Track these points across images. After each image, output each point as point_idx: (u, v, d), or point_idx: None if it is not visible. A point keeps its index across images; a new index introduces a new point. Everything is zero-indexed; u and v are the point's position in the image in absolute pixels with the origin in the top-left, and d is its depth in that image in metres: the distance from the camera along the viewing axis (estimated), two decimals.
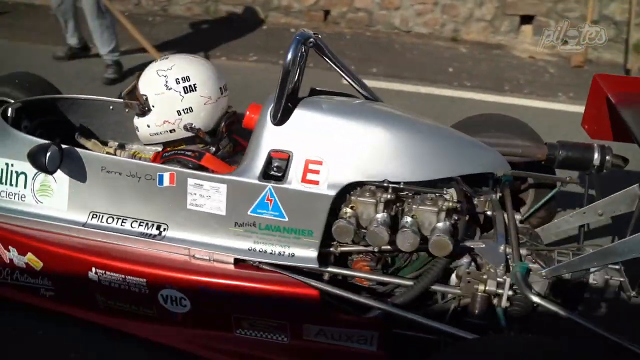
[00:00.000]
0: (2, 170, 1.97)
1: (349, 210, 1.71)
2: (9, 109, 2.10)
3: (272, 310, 1.80)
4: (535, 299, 1.58)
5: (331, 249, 1.79)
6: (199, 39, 5.49)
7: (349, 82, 2.05)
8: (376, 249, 1.73)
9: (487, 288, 1.66)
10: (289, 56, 1.72)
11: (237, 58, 5.07)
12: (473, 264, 1.77)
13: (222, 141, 2.03)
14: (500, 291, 1.65)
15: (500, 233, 1.80)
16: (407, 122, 1.89)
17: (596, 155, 1.95)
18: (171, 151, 1.99)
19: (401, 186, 1.72)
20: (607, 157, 1.95)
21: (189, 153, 1.94)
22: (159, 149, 2.14)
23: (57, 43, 4.79)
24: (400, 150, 1.76)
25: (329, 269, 1.78)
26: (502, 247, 1.75)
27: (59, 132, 2.14)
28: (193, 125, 1.95)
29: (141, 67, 2.01)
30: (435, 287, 1.76)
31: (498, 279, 1.67)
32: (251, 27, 5.69)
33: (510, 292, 1.64)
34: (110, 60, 4.34)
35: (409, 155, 1.76)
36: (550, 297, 1.71)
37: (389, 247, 1.69)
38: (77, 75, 4.33)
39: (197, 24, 5.83)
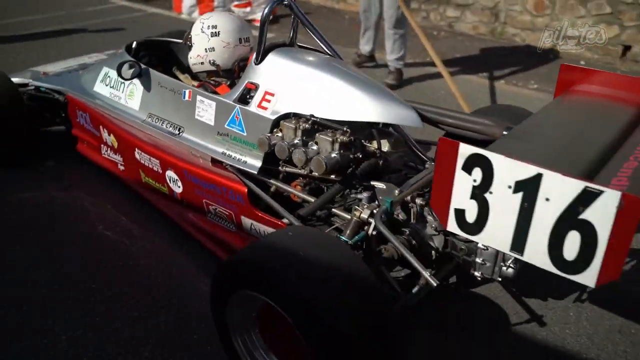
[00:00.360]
0: (115, 80, 2.94)
1: (277, 131, 2.21)
2: (133, 43, 3.08)
3: (224, 199, 2.37)
4: (380, 227, 1.87)
5: (280, 168, 2.27)
6: (480, 58, 5.63)
7: (316, 39, 2.52)
8: (305, 172, 2.15)
9: (361, 215, 1.99)
10: (265, 12, 2.31)
11: (516, 84, 4.99)
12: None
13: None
14: (370, 220, 1.96)
15: (410, 183, 2.08)
16: (344, 74, 2.24)
17: None
18: (205, 80, 2.72)
19: (317, 119, 2.13)
20: None
21: (212, 82, 2.64)
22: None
23: (347, 46, 5.33)
24: (329, 94, 2.17)
25: (270, 180, 2.28)
26: (397, 191, 2.04)
27: (164, 65, 3.02)
28: (214, 61, 2.64)
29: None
30: (334, 210, 2.15)
31: (373, 210, 1.98)
32: (537, 54, 5.54)
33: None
34: (394, 67, 4.68)
35: (335, 99, 2.16)
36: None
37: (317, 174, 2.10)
38: None
39: (480, 43, 6.01)
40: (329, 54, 2.50)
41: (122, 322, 2.20)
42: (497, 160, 1.36)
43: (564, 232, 1.30)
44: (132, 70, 2.71)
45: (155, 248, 2.68)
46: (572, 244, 1.30)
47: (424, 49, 4.37)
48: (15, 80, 3.36)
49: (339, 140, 2.05)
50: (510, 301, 2.37)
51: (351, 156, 2.10)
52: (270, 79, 2.30)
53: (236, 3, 7.20)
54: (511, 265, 1.84)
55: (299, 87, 2.24)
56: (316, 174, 2.09)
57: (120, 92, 2.92)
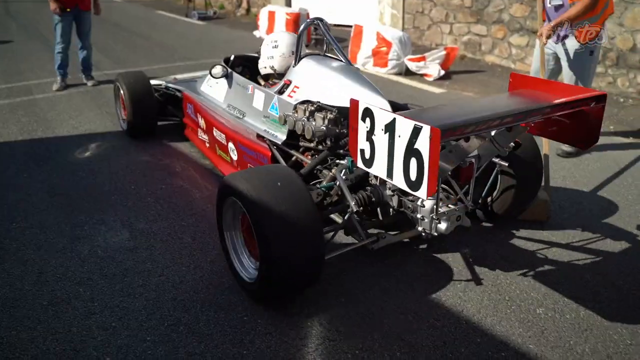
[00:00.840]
0: (213, 81, 4.24)
1: (294, 112, 3.25)
2: (231, 56, 4.39)
3: (257, 162, 3.42)
4: (337, 177, 2.75)
5: (300, 143, 3.25)
6: None
7: (337, 50, 3.48)
8: (312, 145, 3.14)
9: (333, 172, 2.92)
10: (300, 30, 3.49)
11: None
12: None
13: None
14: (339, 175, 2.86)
15: None
16: (345, 73, 3.22)
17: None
18: (267, 82, 3.91)
19: (322, 104, 3.11)
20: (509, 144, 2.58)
21: (271, 82, 3.84)
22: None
23: None
24: (332, 86, 3.14)
25: (291, 151, 3.26)
26: None
27: (252, 73, 4.22)
28: (273, 66, 3.79)
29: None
30: (320, 168, 3.08)
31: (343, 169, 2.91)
32: None
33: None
34: None
35: (334, 90, 3.12)
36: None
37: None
38: None
39: None
40: (343, 61, 3.46)
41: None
42: (375, 111, 2.13)
43: (408, 160, 1.99)
44: (220, 72, 4.00)
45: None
46: (413, 168, 1.97)
47: (609, 115, 4.28)
48: (152, 82, 4.91)
49: (328, 117, 3.02)
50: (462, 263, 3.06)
51: (337, 130, 2.99)
52: (299, 77, 3.40)
53: (410, 57, 7.43)
54: (443, 220, 2.43)
55: (314, 81, 3.29)
56: (307, 138, 3.05)
57: (214, 89, 4.25)
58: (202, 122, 4.22)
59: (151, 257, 3.00)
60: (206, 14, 13.54)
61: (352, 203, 2.63)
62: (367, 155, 2.20)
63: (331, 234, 2.79)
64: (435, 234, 2.50)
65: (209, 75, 4.13)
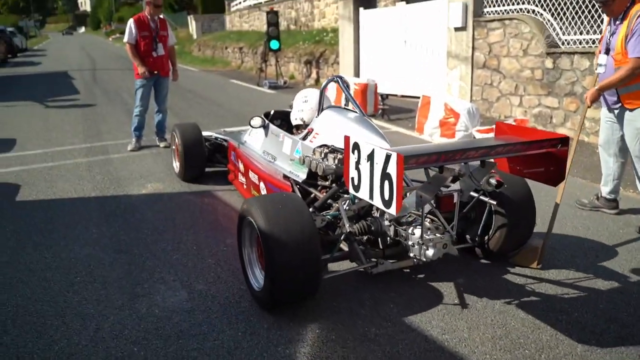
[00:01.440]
0: (254, 132, 4.65)
1: (313, 154, 3.66)
2: (271, 111, 4.77)
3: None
4: (340, 208, 3.26)
5: (318, 182, 3.68)
6: None
7: (352, 103, 3.99)
8: (327, 184, 3.62)
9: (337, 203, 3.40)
10: (323, 85, 4.00)
11: None
12: None
13: None
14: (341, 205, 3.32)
15: None
16: (356, 122, 3.65)
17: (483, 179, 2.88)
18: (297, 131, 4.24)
19: (335, 147, 3.53)
20: (490, 180, 2.88)
21: (300, 131, 4.13)
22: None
23: (594, 181, 5.36)
24: (344, 133, 3.18)
25: (310, 189, 3.71)
26: None
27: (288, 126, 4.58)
28: (302, 118, 4.22)
29: None
30: (330, 202, 3.51)
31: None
32: None
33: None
34: None
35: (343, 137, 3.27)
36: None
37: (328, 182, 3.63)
38: None
39: None
40: (357, 112, 3.86)
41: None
42: (361, 144, 2.50)
43: (383, 182, 2.34)
44: (258, 122, 4.45)
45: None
46: (386, 189, 2.33)
47: None
48: (204, 133, 5.64)
49: (338, 157, 3.45)
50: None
51: None
52: (320, 125, 3.85)
53: (479, 128, 7.38)
54: (430, 247, 2.78)
55: (331, 129, 3.70)
56: (320, 175, 3.55)
57: (253, 138, 4.71)
58: (241, 166, 4.65)
59: (208, 320, 2.94)
60: (277, 84, 14.04)
61: (347, 225, 3.10)
62: (356, 182, 2.57)
63: (335, 254, 3.13)
64: (424, 259, 2.83)
65: (249, 125, 4.61)
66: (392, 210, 2.31)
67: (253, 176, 4.30)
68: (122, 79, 15.89)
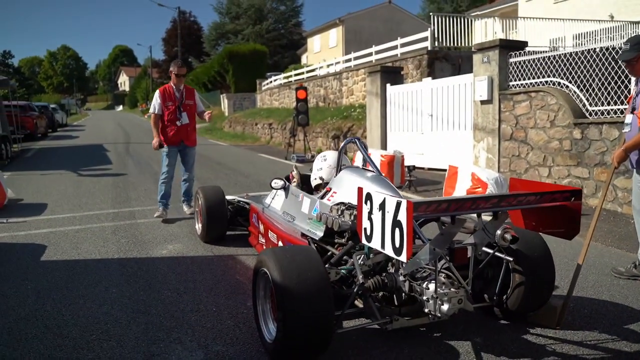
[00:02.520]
0: (275, 194, 4.67)
1: (330, 211, 3.65)
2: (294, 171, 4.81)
3: None
4: (355, 262, 3.22)
5: (335, 240, 3.68)
6: None
7: (370, 163, 3.96)
8: (343, 241, 3.60)
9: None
10: (341, 146, 4.17)
11: None
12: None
13: None
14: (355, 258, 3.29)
15: None
16: (372, 181, 3.59)
17: (498, 232, 2.86)
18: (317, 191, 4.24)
19: (351, 204, 3.55)
20: (505, 235, 2.85)
21: (318, 192, 4.12)
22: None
23: (631, 250, 5.20)
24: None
25: (327, 247, 3.70)
26: None
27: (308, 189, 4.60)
28: (322, 177, 4.35)
29: None
30: (346, 258, 3.47)
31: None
32: None
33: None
34: None
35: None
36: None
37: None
38: None
39: None
40: (375, 172, 3.85)
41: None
42: (373, 194, 2.57)
43: (394, 230, 2.38)
44: (279, 184, 4.51)
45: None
46: (397, 237, 2.36)
47: None
48: (227, 197, 5.77)
49: (354, 214, 3.41)
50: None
51: None
52: (337, 184, 3.92)
53: None
54: (445, 302, 2.73)
55: (348, 187, 3.70)
56: (335, 231, 3.48)
57: (274, 201, 4.74)
58: (261, 227, 4.66)
59: None
60: (304, 158, 14.22)
61: (360, 277, 3.07)
62: (368, 232, 2.62)
63: (349, 310, 3.11)
64: (439, 315, 2.77)
65: (270, 187, 4.66)
66: (403, 257, 2.33)
67: (272, 236, 4.30)
68: (155, 151, 16.31)
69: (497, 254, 3.29)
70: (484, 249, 3.28)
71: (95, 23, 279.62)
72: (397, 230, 2.37)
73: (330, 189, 3.95)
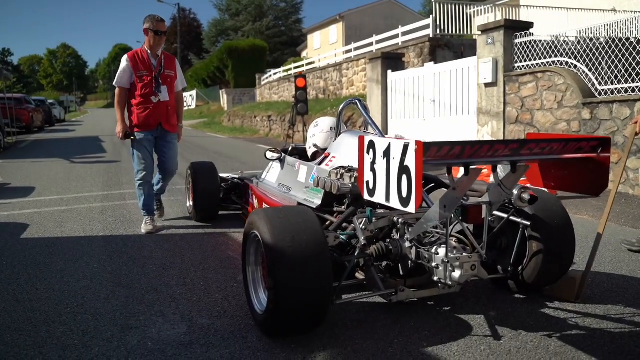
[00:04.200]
0: (271, 167, 4.41)
1: (328, 176, 3.25)
2: (289, 147, 4.49)
3: None
4: (356, 224, 2.90)
5: (334, 208, 3.34)
6: None
7: (372, 126, 3.66)
8: (343, 209, 3.26)
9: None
10: (340, 108, 3.86)
11: None
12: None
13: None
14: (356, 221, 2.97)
15: None
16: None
17: (515, 192, 2.60)
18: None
19: (351, 167, 3.19)
20: (522, 195, 2.63)
21: (315, 159, 3.92)
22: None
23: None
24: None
25: (325, 215, 3.32)
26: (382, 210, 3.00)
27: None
28: (316, 144, 4.03)
29: None
30: (345, 225, 3.13)
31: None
32: None
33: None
34: None
35: None
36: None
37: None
38: None
39: None
40: (375, 134, 3.52)
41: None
42: (376, 141, 2.27)
43: (401, 177, 2.08)
44: (274, 155, 4.29)
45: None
46: (404, 186, 2.07)
47: None
48: (221, 175, 5.44)
49: (354, 176, 3.02)
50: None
51: None
52: (337, 149, 3.60)
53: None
54: (456, 268, 2.45)
55: (348, 151, 3.39)
56: (334, 194, 3.07)
57: (270, 174, 4.44)
58: (256, 202, 4.38)
59: (206, 355, 2.50)
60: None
61: (362, 239, 2.77)
62: (371, 185, 2.32)
63: (348, 281, 2.86)
64: (450, 283, 2.49)
65: (265, 157, 4.36)
66: (411, 207, 2.04)
67: (265, 207, 3.99)
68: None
69: (512, 218, 2.99)
70: (496, 213, 2.98)
71: (95, 21, 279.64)
72: (404, 178, 2.07)
73: (329, 154, 3.64)
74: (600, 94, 7.27)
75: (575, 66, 7.64)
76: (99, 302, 3.16)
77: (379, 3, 36.69)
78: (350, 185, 3.05)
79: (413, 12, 38.58)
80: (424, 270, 2.73)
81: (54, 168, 10.02)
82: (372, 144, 2.31)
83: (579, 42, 7.85)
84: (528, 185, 2.87)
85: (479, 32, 9.20)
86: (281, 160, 4.29)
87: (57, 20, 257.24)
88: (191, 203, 5.35)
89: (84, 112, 60.67)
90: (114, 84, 4.83)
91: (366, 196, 2.38)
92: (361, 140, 2.37)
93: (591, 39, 7.65)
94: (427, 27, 14.17)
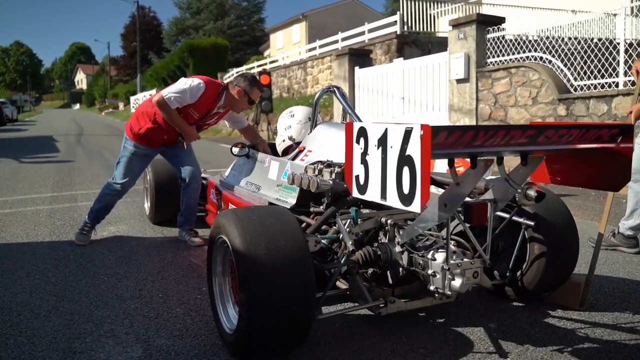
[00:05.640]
0: (237, 165, 4.02)
1: (304, 172, 2.83)
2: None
3: None
4: (339, 222, 2.50)
5: (310, 209, 2.89)
6: None
7: (352, 116, 3.35)
8: (321, 209, 2.79)
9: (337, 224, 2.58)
10: (317, 96, 3.45)
11: None
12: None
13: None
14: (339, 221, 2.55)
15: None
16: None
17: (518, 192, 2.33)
18: None
19: (332, 162, 2.78)
20: (528, 192, 2.33)
21: (287, 154, 3.55)
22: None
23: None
24: (338, 149, 2.67)
25: (301, 217, 2.85)
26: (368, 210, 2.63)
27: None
28: (291, 136, 3.59)
29: None
30: (324, 227, 2.70)
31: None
32: None
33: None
34: None
35: (341, 151, 2.60)
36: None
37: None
38: None
39: None
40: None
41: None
42: (369, 127, 1.89)
43: (401, 170, 1.73)
44: (241, 151, 3.85)
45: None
46: (405, 180, 1.72)
47: None
48: None
49: (335, 171, 2.62)
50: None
51: (345, 185, 2.48)
52: (312, 142, 3.21)
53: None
54: (456, 275, 2.12)
55: (326, 144, 3.07)
56: (312, 191, 2.63)
57: (235, 172, 4.02)
58: (221, 202, 3.89)
59: None
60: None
61: (350, 242, 2.36)
62: (362, 180, 1.97)
63: (330, 291, 2.44)
64: (449, 293, 2.16)
65: (231, 153, 3.89)
66: (415, 205, 1.69)
67: (231, 207, 3.56)
68: (108, 141, 15.32)
69: (514, 218, 2.67)
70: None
71: (51, 19, 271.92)
72: (405, 171, 1.72)
73: (304, 148, 3.24)
74: (575, 89, 7.11)
75: (550, 61, 7.47)
76: (37, 321, 2.68)
77: (342, 3, 36.52)
78: (331, 182, 2.65)
79: (376, 12, 38.52)
80: (413, 276, 2.38)
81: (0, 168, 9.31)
82: (362, 132, 1.94)
83: (547, 39, 7.71)
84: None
85: (450, 27, 8.97)
86: (249, 156, 3.85)
87: (9, 17, 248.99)
88: (148, 204, 4.87)
89: (39, 112, 58.54)
90: (165, 96, 3.81)
91: (355, 194, 2.01)
92: (349, 127, 1.99)
93: (558, 38, 7.52)
94: (393, 24, 13.93)
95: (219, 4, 46.41)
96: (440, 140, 1.72)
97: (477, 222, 2.30)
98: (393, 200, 1.81)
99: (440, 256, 2.20)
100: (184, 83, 3.87)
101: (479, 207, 2.26)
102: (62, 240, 4.32)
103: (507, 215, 2.65)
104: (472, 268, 2.18)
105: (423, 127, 1.63)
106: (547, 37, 8.01)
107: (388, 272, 2.48)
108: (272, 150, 3.97)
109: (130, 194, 5.54)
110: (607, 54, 6.66)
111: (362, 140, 1.94)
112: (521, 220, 2.69)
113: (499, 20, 8.56)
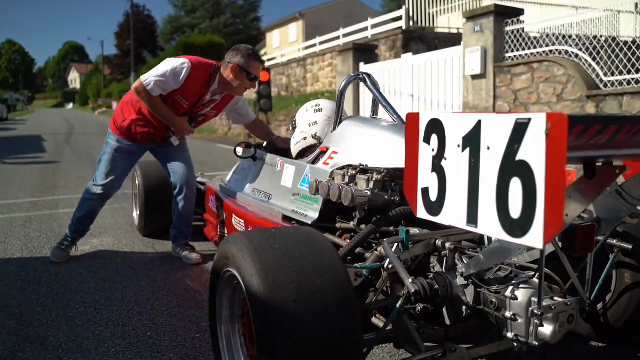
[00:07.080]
0: (240, 168, 3.41)
1: (330, 178, 2.34)
2: (264, 143, 3.45)
3: None
4: (386, 247, 1.83)
5: (337, 225, 2.31)
6: None
7: (385, 106, 2.74)
8: (353, 226, 2.22)
9: (380, 249, 1.95)
10: (342, 85, 2.69)
11: None
12: None
13: None
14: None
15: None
16: (394, 131, 2.39)
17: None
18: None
19: (366, 167, 2.25)
20: None
21: (304, 157, 2.80)
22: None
23: None
24: (379, 147, 2.33)
25: (324, 233, 2.23)
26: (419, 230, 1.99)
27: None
28: (316, 134, 2.79)
29: None
30: (360, 250, 2.09)
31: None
32: None
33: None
34: None
35: (382, 150, 2.30)
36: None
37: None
38: None
39: None
40: (394, 121, 2.68)
41: None
42: (447, 119, 1.37)
43: (507, 182, 1.20)
44: (247, 152, 3.23)
45: None
46: (515, 195, 1.19)
47: None
48: None
49: (374, 178, 2.13)
50: None
51: (386, 196, 2.12)
52: (338, 141, 2.57)
53: None
54: (546, 321, 1.54)
55: (357, 143, 2.46)
56: (345, 204, 2.10)
57: (240, 176, 3.37)
58: (223, 212, 3.30)
59: None
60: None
61: (409, 281, 1.73)
62: (434, 196, 1.43)
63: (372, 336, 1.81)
64: (536, 343, 1.59)
65: (235, 154, 3.36)
66: (533, 238, 1.15)
67: (238, 222, 2.98)
68: (99, 141, 14.67)
69: (609, 241, 2.09)
70: None
71: (44, 17, 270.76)
72: (516, 183, 1.18)
73: (327, 148, 2.59)
74: (605, 85, 6.52)
75: (577, 55, 6.88)
76: None
77: (339, 1, 36.03)
78: (369, 192, 2.09)
79: (373, 10, 38.05)
80: (483, 315, 1.79)
81: None
82: (436, 125, 1.40)
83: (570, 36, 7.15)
84: None
85: (464, 20, 8.38)
86: (255, 158, 3.18)
87: (1, 15, 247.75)
88: (138, 212, 4.23)
89: (31, 111, 57.64)
90: (144, 82, 3.19)
91: (423, 214, 1.47)
92: (412, 119, 1.46)
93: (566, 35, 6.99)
94: (399, 18, 13.35)
95: (214, 3, 45.86)
96: (576, 132, 1.15)
97: (582, 250, 1.69)
98: (490, 227, 1.27)
99: (523, 294, 1.61)
100: (166, 64, 3.21)
101: (585, 232, 1.65)
102: (35, 256, 3.68)
103: (600, 238, 2.05)
104: (567, 311, 1.60)
105: (552, 117, 1.09)
106: (570, 36, 7.47)
107: (445, 310, 1.88)
108: (279, 150, 3.31)
109: (118, 199, 4.93)
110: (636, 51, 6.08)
111: (434, 137, 1.40)
112: (614, 242, 2.09)
113: (518, 12, 7.96)
